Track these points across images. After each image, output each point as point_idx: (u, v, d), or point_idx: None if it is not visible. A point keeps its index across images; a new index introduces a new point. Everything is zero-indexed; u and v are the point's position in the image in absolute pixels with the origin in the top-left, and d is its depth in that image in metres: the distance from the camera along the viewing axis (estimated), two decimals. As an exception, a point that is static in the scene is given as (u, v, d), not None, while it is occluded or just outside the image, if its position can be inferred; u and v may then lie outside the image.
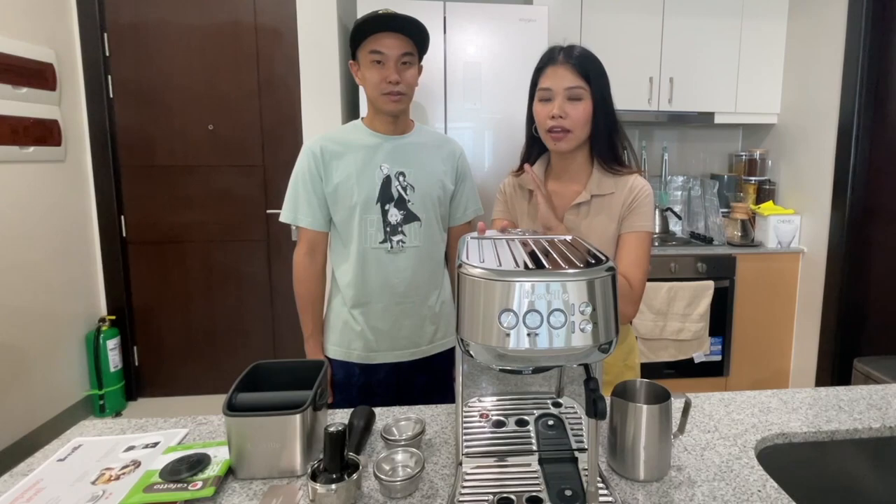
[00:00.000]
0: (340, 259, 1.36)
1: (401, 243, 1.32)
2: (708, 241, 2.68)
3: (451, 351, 1.46)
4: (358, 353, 1.36)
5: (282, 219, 1.34)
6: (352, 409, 0.97)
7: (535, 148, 1.21)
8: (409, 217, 1.32)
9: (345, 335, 1.36)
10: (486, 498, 0.74)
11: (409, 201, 1.32)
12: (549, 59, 1.10)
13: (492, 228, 1.17)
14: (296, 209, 1.32)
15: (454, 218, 1.45)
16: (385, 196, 1.30)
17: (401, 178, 1.32)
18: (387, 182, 1.30)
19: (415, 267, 1.34)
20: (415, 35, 1.27)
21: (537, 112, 1.11)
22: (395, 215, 1.31)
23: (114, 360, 2.64)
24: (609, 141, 1.11)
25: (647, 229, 1.10)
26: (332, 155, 1.30)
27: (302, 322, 1.37)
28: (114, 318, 2.69)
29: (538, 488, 0.76)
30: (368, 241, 1.31)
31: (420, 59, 1.32)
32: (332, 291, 1.41)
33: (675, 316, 2.45)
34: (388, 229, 1.31)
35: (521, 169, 1.23)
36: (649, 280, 1.17)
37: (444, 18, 2.17)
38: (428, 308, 1.38)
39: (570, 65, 1.06)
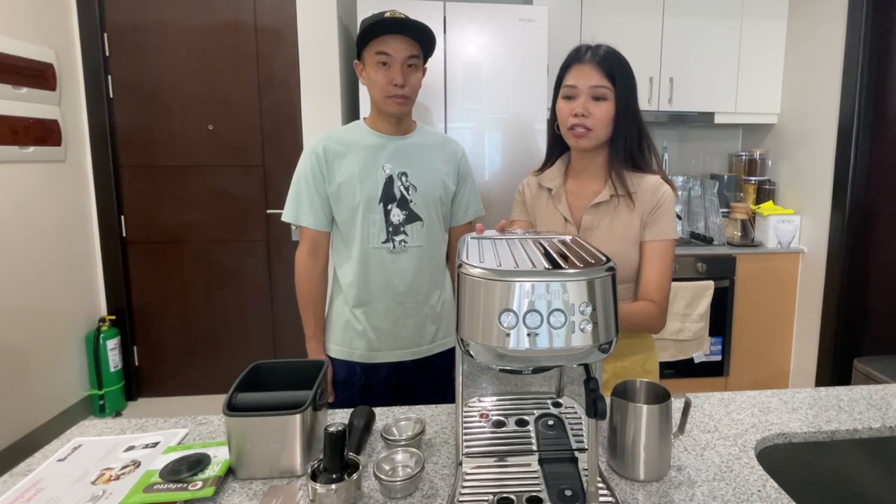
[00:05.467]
0: (342, 259, 1.36)
1: (403, 243, 1.32)
2: (708, 241, 2.68)
3: (453, 351, 1.45)
4: (359, 353, 1.36)
5: (284, 218, 1.34)
6: (352, 409, 0.97)
7: (557, 147, 1.19)
8: (412, 217, 1.33)
9: (346, 335, 1.36)
10: (486, 498, 0.74)
11: (411, 201, 1.32)
12: (576, 57, 1.09)
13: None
14: (298, 209, 1.32)
15: (455, 218, 1.45)
16: (387, 196, 1.31)
17: (403, 179, 1.32)
18: (389, 182, 1.31)
19: (417, 267, 1.34)
20: (421, 38, 1.27)
21: (560, 109, 1.10)
22: (397, 215, 1.31)
23: (114, 360, 2.64)
24: (629, 143, 1.10)
25: (671, 236, 1.09)
26: (334, 155, 1.30)
27: (304, 322, 1.38)
28: (114, 318, 2.69)
29: (538, 488, 0.76)
30: (371, 241, 1.31)
31: (425, 61, 1.33)
32: (334, 291, 1.41)
33: (675, 316, 2.45)
34: (390, 229, 1.31)
35: (542, 168, 1.24)
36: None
37: (444, 18, 2.16)
38: (429, 308, 1.38)
39: (595, 63, 1.05)
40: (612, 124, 1.07)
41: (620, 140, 1.09)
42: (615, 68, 1.06)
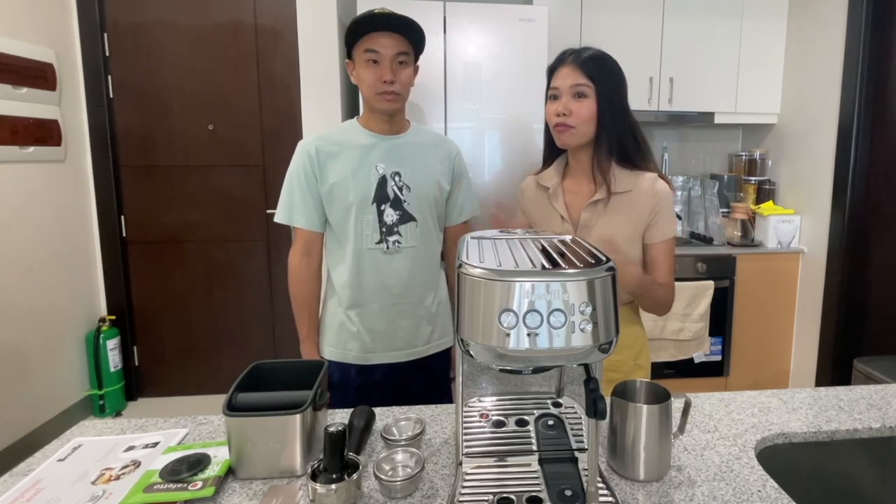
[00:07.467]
0: (336, 260, 1.35)
1: (397, 244, 1.31)
2: (708, 241, 2.68)
3: (448, 351, 1.46)
4: (354, 354, 1.35)
5: (277, 219, 1.33)
6: (352, 409, 0.97)
7: (554, 148, 1.22)
8: (405, 217, 1.32)
9: (341, 336, 1.35)
10: (486, 498, 0.74)
11: (405, 201, 1.31)
12: (560, 60, 1.14)
13: None
14: (291, 209, 1.31)
15: (450, 218, 1.44)
16: (381, 196, 1.30)
17: (397, 178, 1.31)
18: (382, 182, 1.30)
19: (411, 267, 1.33)
20: (410, 35, 1.26)
21: (547, 110, 1.15)
22: (390, 215, 1.30)
23: (114, 360, 2.64)
24: (617, 140, 1.13)
25: (672, 234, 1.15)
26: (327, 155, 1.29)
27: (297, 323, 1.37)
28: (114, 318, 2.69)
29: (538, 488, 0.76)
30: (364, 242, 1.30)
31: (416, 58, 1.32)
32: (328, 292, 1.40)
33: (674, 316, 2.45)
34: (383, 230, 1.30)
35: (541, 169, 1.27)
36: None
37: (444, 18, 2.17)
38: (424, 309, 1.37)
39: (576, 65, 1.10)
40: (595, 121, 1.11)
41: (604, 138, 1.12)
42: (595, 67, 1.10)
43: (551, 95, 1.14)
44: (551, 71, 1.15)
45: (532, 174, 1.29)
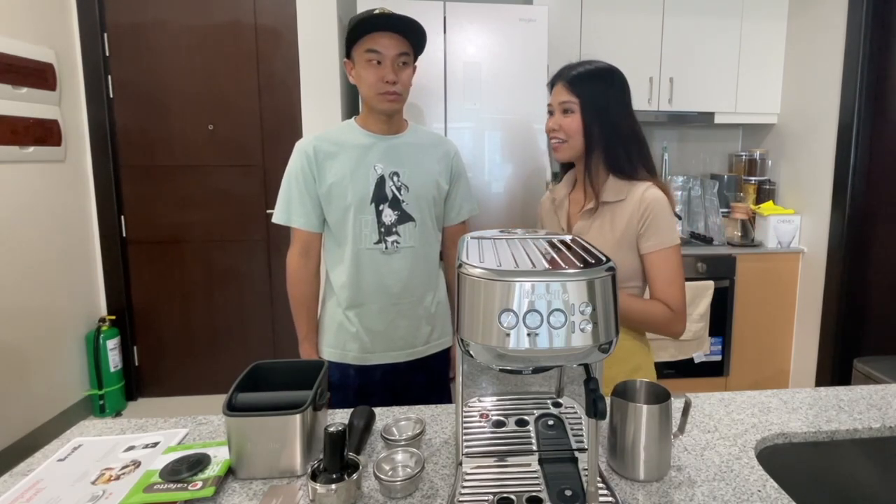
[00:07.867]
0: (335, 261, 1.35)
1: (395, 244, 1.31)
2: (708, 241, 2.68)
3: (447, 351, 1.46)
4: (353, 355, 1.35)
5: (275, 219, 1.33)
6: (352, 409, 0.97)
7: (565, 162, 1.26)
8: (404, 217, 1.32)
9: (339, 336, 1.35)
10: (486, 498, 0.74)
11: (403, 201, 1.31)
12: (556, 77, 1.18)
13: None
14: (289, 210, 1.31)
15: (449, 218, 1.44)
16: (379, 196, 1.29)
17: (395, 178, 1.31)
18: (381, 182, 1.30)
19: (410, 267, 1.33)
20: (411, 35, 1.26)
21: (545, 125, 1.21)
22: (389, 216, 1.30)
23: (114, 360, 2.64)
24: (607, 152, 1.14)
25: (672, 243, 1.09)
26: (325, 155, 1.29)
27: (296, 324, 1.37)
28: (114, 318, 2.69)
29: (538, 488, 0.76)
30: (363, 242, 1.30)
31: (415, 59, 1.32)
32: (326, 293, 1.40)
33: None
34: (382, 230, 1.30)
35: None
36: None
37: (444, 18, 2.16)
38: (423, 309, 1.37)
39: (565, 82, 1.15)
40: (582, 135, 1.14)
41: (593, 150, 1.15)
42: (581, 85, 1.13)
43: (548, 111, 1.19)
44: (550, 87, 1.19)
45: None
